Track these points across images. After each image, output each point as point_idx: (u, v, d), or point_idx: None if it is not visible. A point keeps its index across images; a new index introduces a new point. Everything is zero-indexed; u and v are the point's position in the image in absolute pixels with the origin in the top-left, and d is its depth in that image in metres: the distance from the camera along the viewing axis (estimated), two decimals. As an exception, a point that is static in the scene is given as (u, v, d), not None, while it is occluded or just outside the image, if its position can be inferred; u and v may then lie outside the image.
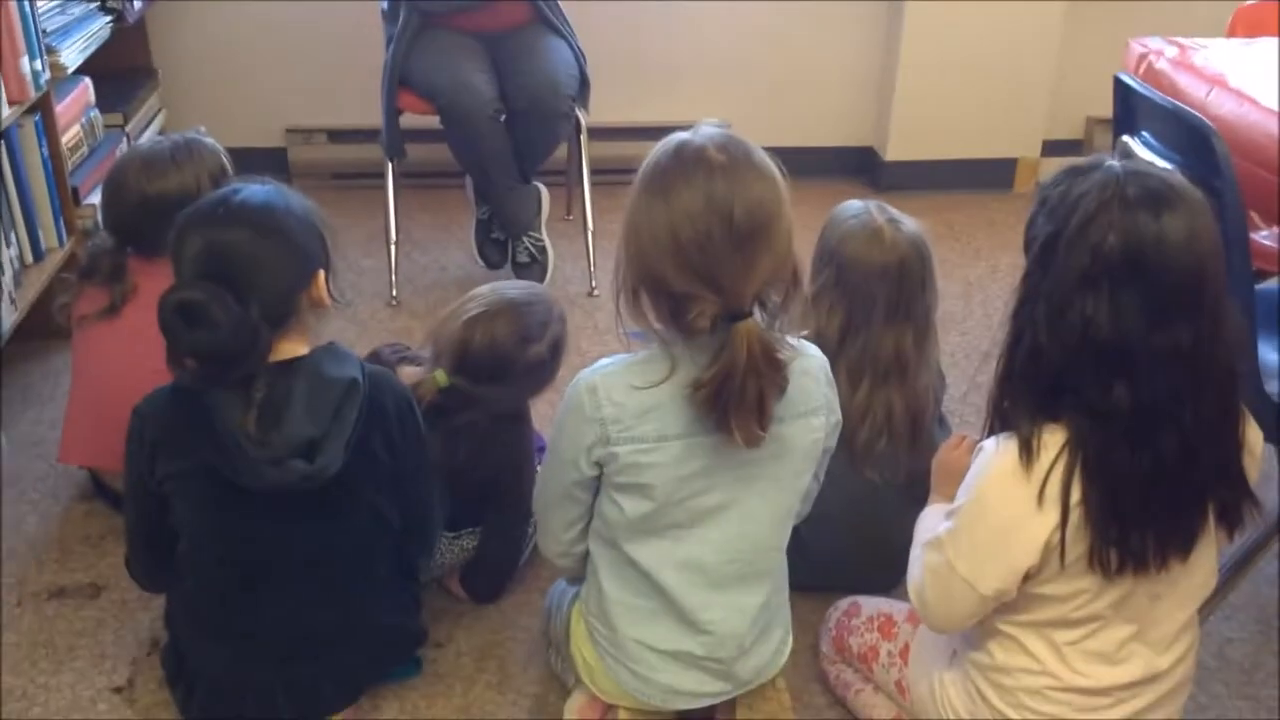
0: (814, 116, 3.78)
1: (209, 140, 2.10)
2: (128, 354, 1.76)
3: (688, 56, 3.65)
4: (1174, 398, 1.30)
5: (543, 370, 1.89)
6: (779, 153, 4.00)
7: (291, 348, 1.55)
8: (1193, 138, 1.70)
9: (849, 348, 1.86)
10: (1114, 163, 1.34)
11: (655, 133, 3.70)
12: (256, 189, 1.57)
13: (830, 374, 1.58)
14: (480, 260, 3.11)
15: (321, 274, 1.59)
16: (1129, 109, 1.88)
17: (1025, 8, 3.53)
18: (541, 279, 3.02)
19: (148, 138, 3.10)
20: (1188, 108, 1.75)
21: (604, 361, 1.54)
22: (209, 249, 1.49)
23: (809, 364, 1.53)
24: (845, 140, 3.82)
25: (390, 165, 3.00)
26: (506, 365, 1.84)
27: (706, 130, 1.44)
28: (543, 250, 3.06)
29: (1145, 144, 1.86)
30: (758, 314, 1.41)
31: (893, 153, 3.70)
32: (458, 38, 2.88)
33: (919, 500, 1.71)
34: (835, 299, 1.86)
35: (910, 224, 1.91)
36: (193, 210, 1.54)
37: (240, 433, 1.46)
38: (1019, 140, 3.73)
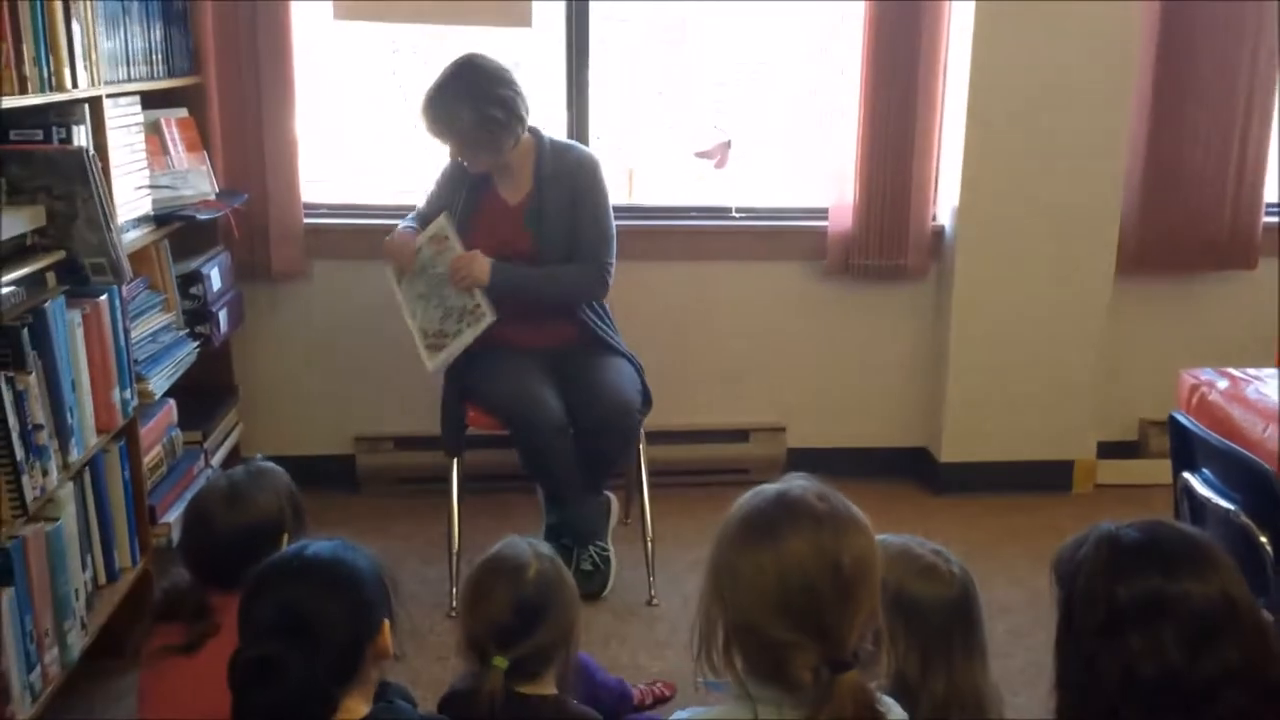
0: (867, 418, 3.85)
1: (273, 465, 2.15)
2: (201, 701, 1.75)
3: (739, 361, 3.77)
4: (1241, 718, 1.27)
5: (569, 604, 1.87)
6: (832, 454, 4.08)
7: (354, 706, 1.55)
8: (1253, 480, 1.71)
9: (932, 685, 1.83)
10: (1109, 524, 1.41)
11: (711, 436, 3.85)
12: (324, 543, 1.61)
13: (911, 728, 1.55)
14: None
15: (387, 624, 1.61)
16: (1186, 447, 1.91)
17: (1071, 309, 3.65)
18: (602, 590, 3.02)
19: (224, 454, 3.21)
20: (1245, 451, 1.77)
21: (679, 714, 1.52)
22: (281, 604, 1.51)
23: (895, 717, 1.51)
24: (899, 441, 3.87)
25: (455, 470, 3.05)
26: (533, 615, 1.81)
27: (798, 481, 1.47)
28: (606, 560, 3.06)
29: (1205, 481, 1.87)
30: None
31: (947, 454, 3.74)
32: (517, 354, 2.99)
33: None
34: (908, 642, 1.84)
35: (948, 552, 1.92)
36: (264, 567, 1.57)
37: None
38: (1074, 442, 3.76)
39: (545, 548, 1.92)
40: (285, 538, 1.95)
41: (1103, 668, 1.31)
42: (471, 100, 2.84)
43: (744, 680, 1.42)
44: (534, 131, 3.01)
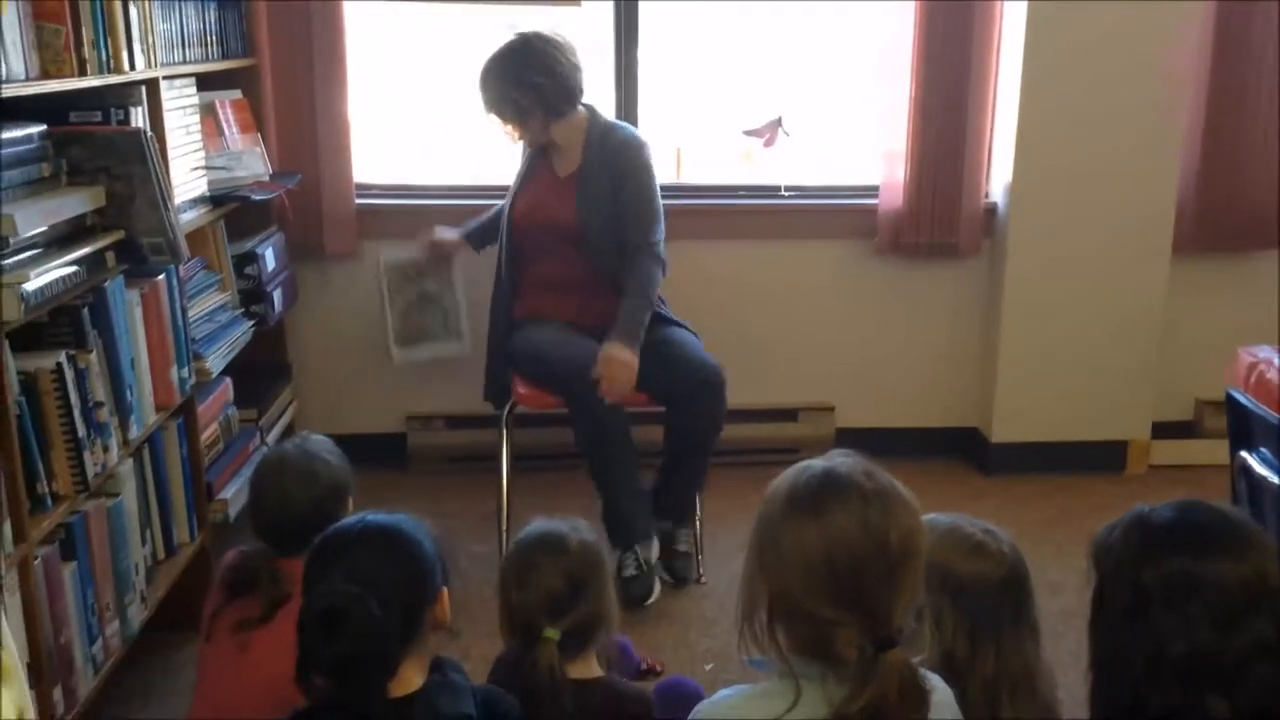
0: (917, 397, 3.83)
1: (319, 435, 2.18)
2: (270, 667, 1.78)
3: (788, 340, 3.76)
4: (1277, 694, 1.26)
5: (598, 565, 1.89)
6: (881, 434, 4.06)
7: (410, 674, 1.57)
8: (1311, 460, 1.69)
9: (982, 666, 1.82)
10: (1144, 506, 1.42)
11: (760, 415, 3.85)
12: (382, 515, 1.63)
13: (956, 706, 1.55)
14: (665, 574, 3.05)
15: (445, 592, 1.63)
16: (1244, 425, 1.88)
17: (1126, 287, 3.60)
18: (645, 598, 2.93)
19: (278, 432, 3.26)
20: (1304, 430, 1.74)
21: (723, 692, 1.52)
22: (345, 569, 1.53)
23: (938, 695, 1.50)
24: (949, 421, 3.84)
25: (504, 447, 3.07)
26: (580, 583, 1.84)
27: (843, 458, 1.46)
28: (651, 567, 2.98)
29: (1263, 460, 1.85)
30: None
31: (998, 434, 3.71)
32: (568, 328, 3.02)
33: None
34: (958, 620, 1.84)
35: (999, 529, 1.91)
36: (326, 537, 1.60)
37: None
38: (1128, 422, 3.71)
39: (580, 521, 1.95)
40: (350, 500, 2.02)
41: (1129, 647, 1.31)
42: (502, 80, 2.94)
43: (787, 656, 1.42)
44: (589, 109, 3.06)
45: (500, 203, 3.21)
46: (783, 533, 1.41)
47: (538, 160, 3.11)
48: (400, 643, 1.53)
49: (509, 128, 3.03)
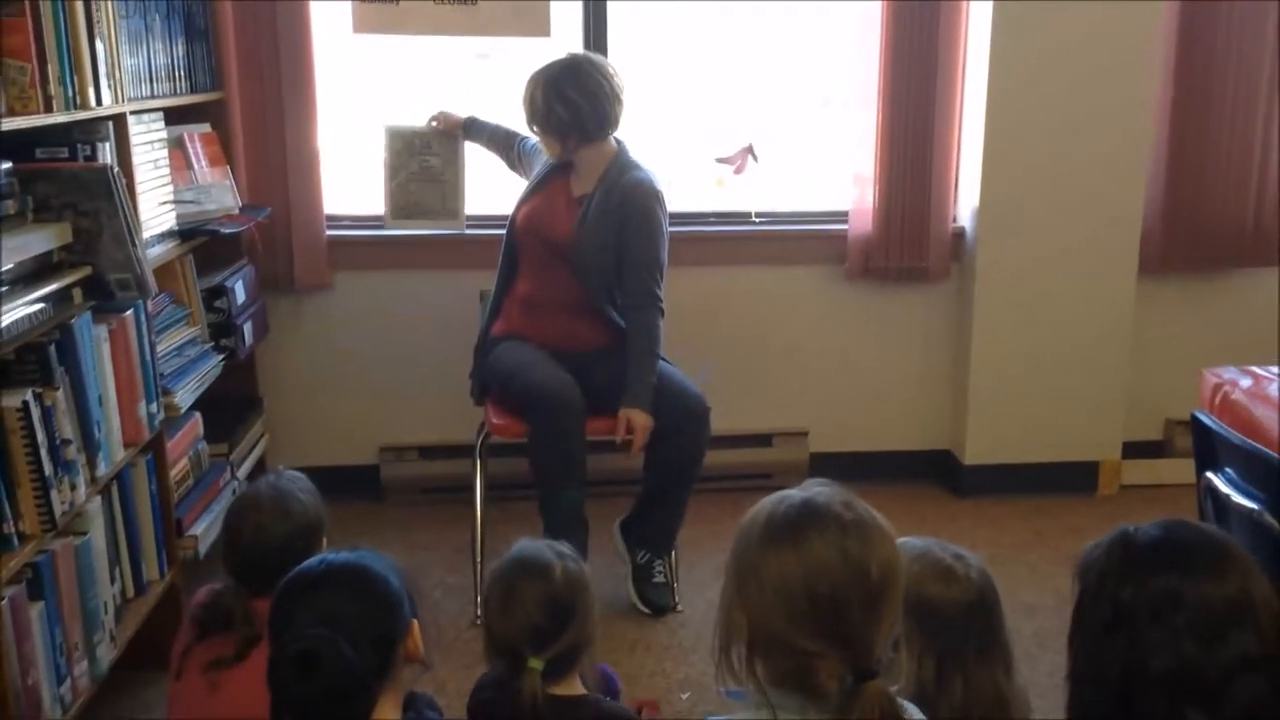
0: (890, 421, 3.84)
1: (293, 471, 2.17)
2: (238, 708, 1.76)
3: (761, 365, 3.77)
4: (1260, 707, 1.27)
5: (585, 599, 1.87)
6: (855, 458, 4.06)
7: (385, 710, 1.56)
8: (1276, 479, 1.70)
9: (950, 692, 1.82)
10: (1129, 526, 1.44)
11: (734, 441, 3.85)
12: (343, 553, 1.63)
13: (933, 737, 1.55)
14: (641, 605, 3.08)
15: (415, 625, 1.62)
16: (1209, 446, 1.90)
17: (1095, 309, 3.64)
18: (670, 605, 3.05)
19: (249, 466, 3.24)
20: (1268, 450, 1.76)
21: (701, 722, 1.52)
22: (318, 609, 1.52)
23: (914, 723, 1.51)
24: (922, 444, 3.86)
25: (479, 477, 3.07)
26: (564, 613, 1.81)
27: (820, 488, 1.46)
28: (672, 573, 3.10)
29: (1228, 481, 1.86)
30: None
31: (971, 456, 3.73)
32: (543, 351, 3.01)
33: None
34: (923, 646, 1.84)
35: (971, 555, 1.91)
36: (289, 581, 1.59)
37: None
38: (1099, 443, 3.74)
39: (563, 546, 1.93)
40: (324, 538, 2.01)
41: (1109, 661, 1.32)
42: (546, 93, 2.96)
43: (765, 688, 1.41)
44: (619, 143, 3.07)
45: (512, 128, 3.29)
46: (762, 563, 1.39)
47: (556, 173, 3.10)
48: (375, 679, 1.52)
49: (543, 139, 3.05)
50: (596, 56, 3.09)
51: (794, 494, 1.45)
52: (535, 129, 3.05)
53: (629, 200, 2.97)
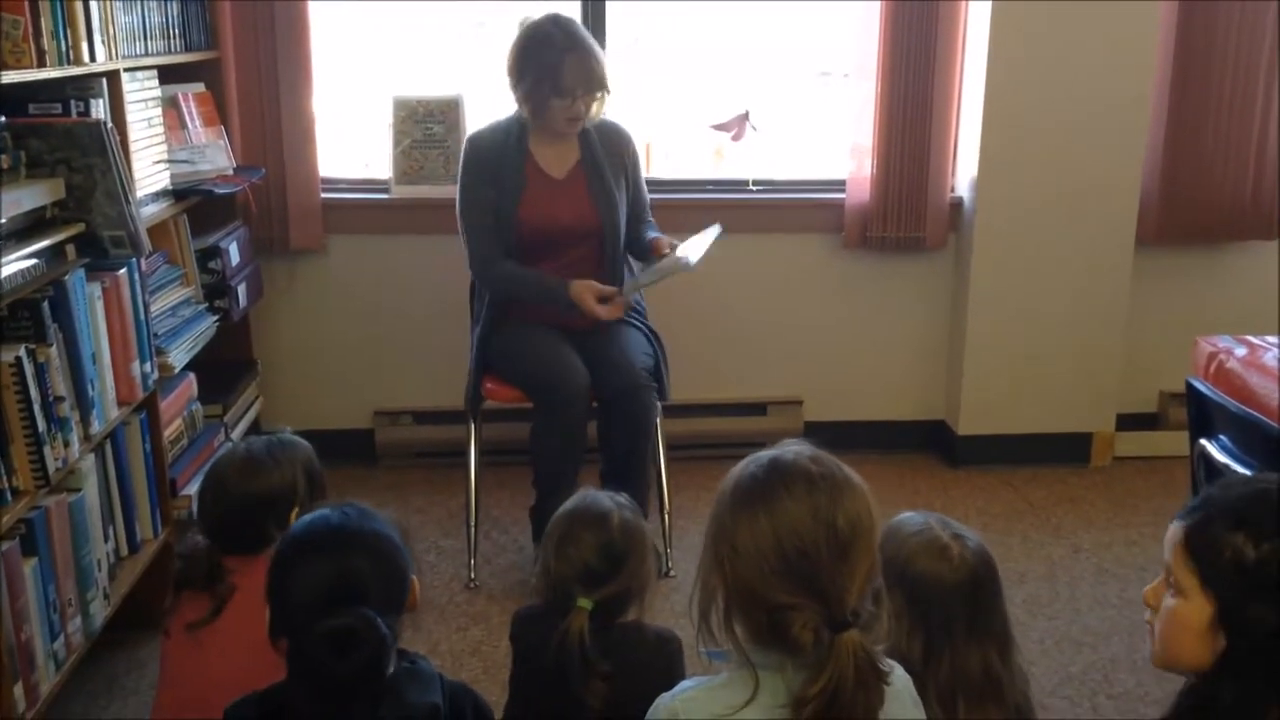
0: (885, 390, 3.84)
1: (298, 438, 2.16)
2: (226, 662, 1.77)
3: (756, 334, 3.77)
4: None
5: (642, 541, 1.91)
6: (850, 427, 4.05)
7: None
8: (1270, 446, 1.71)
9: (936, 669, 1.82)
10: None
11: (728, 409, 3.84)
12: (347, 510, 1.60)
13: (916, 695, 1.55)
14: None
15: (415, 580, 1.62)
16: (1204, 413, 1.90)
17: (1091, 280, 3.63)
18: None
19: (244, 428, 3.24)
20: (1263, 417, 1.76)
21: (685, 684, 1.53)
22: (327, 576, 1.49)
23: (897, 683, 1.51)
24: (917, 414, 3.86)
25: (472, 442, 3.06)
26: (618, 559, 1.84)
27: (793, 446, 1.48)
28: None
29: (1222, 448, 1.87)
30: None
31: (965, 426, 3.73)
32: (541, 329, 2.98)
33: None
34: (913, 620, 1.84)
35: (973, 536, 1.91)
36: (291, 543, 1.57)
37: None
38: (1093, 414, 3.75)
39: (623, 498, 1.96)
40: (296, 512, 1.92)
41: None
42: (599, 53, 2.93)
43: (745, 647, 1.43)
44: None
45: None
46: (734, 524, 1.41)
47: (519, 170, 2.95)
48: (393, 643, 1.51)
49: (598, 100, 2.93)
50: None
51: (763, 454, 1.47)
52: (605, 93, 2.92)
53: (629, 149, 3.06)
